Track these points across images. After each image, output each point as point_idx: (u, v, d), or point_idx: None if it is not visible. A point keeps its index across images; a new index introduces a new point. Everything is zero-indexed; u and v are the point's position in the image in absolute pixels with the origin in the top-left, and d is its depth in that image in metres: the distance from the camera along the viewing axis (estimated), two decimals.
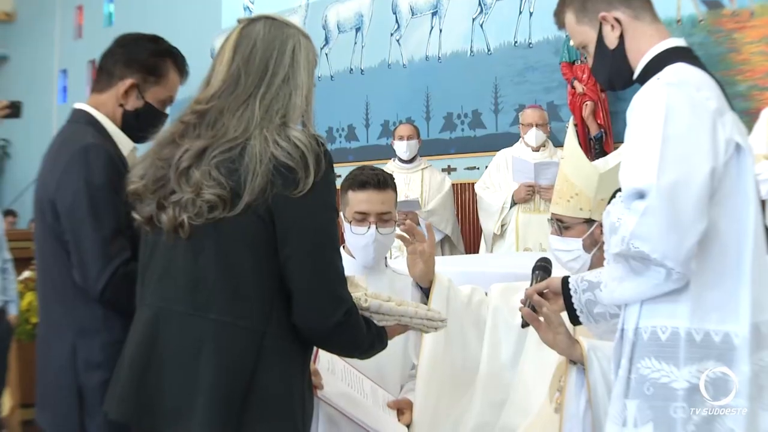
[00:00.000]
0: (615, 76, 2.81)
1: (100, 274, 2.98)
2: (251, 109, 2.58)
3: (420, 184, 8.29)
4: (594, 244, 3.43)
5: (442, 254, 8.17)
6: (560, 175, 3.60)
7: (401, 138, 8.30)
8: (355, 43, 11.00)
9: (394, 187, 3.86)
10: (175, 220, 2.55)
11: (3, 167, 17.68)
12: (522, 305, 3.18)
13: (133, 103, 3.25)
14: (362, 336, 2.68)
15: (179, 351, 2.53)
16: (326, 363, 3.37)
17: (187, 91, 2.72)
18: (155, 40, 3.33)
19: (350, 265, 3.53)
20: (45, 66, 16.42)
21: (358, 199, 3.77)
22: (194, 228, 2.53)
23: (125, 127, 3.27)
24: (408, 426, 3.54)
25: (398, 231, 3.72)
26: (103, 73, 3.27)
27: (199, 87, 2.72)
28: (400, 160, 8.34)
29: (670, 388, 2.43)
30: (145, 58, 3.25)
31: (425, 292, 3.74)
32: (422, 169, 8.38)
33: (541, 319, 3.13)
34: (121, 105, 3.24)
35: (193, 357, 2.50)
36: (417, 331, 3.79)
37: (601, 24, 2.75)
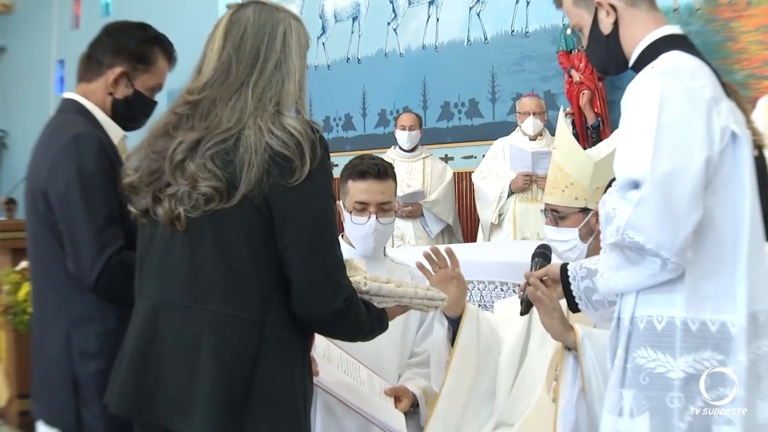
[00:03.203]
0: (607, 61, 2.81)
1: (93, 263, 2.98)
2: (244, 98, 2.56)
3: (422, 173, 8.29)
4: (590, 234, 3.44)
5: (443, 242, 8.18)
6: (553, 164, 3.60)
7: (403, 128, 8.28)
8: (352, 32, 10.97)
9: (394, 177, 3.86)
10: (171, 213, 2.54)
11: (0, 158, 17.66)
12: (521, 291, 3.20)
13: (122, 92, 3.26)
14: (362, 321, 2.67)
15: (178, 343, 2.52)
16: (322, 351, 3.37)
17: (183, 81, 2.72)
18: (143, 28, 3.34)
19: (350, 255, 3.53)
20: (42, 56, 16.36)
21: (358, 189, 3.77)
22: (191, 220, 2.52)
23: (115, 116, 3.28)
24: (405, 413, 3.55)
25: (419, 260, 3.64)
26: (92, 62, 3.27)
27: (190, 75, 2.70)
28: (401, 148, 8.34)
29: (667, 378, 2.44)
30: (133, 46, 3.25)
31: (452, 322, 3.62)
32: (423, 158, 8.38)
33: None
34: (111, 93, 3.25)
35: (193, 349, 2.49)
36: (421, 322, 3.82)
37: (596, 8, 2.75)
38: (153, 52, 3.29)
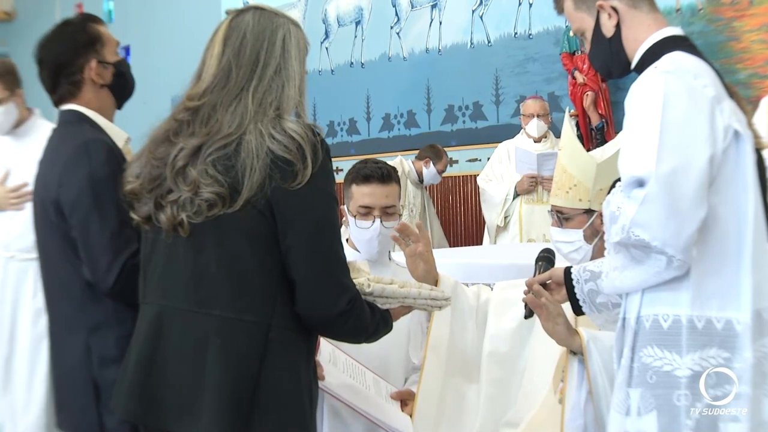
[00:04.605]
0: (611, 63, 2.81)
1: (109, 268, 2.97)
2: (244, 103, 2.57)
3: (422, 198, 8.52)
4: (595, 235, 3.43)
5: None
6: (558, 166, 3.60)
7: (441, 172, 8.52)
8: (355, 36, 10.99)
9: (397, 181, 3.86)
10: (173, 219, 2.55)
11: None
12: (525, 295, 3.20)
13: (107, 74, 3.29)
14: (367, 322, 2.68)
15: (184, 348, 2.53)
16: (327, 355, 3.37)
17: (185, 87, 2.72)
18: (66, 23, 3.37)
19: (354, 259, 3.53)
20: None
21: (362, 193, 3.78)
22: (194, 226, 2.53)
23: (118, 94, 3.35)
24: (411, 416, 3.55)
25: (393, 233, 3.69)
26: (64, 84, 3.27)
27: (189, 81, 2.70)
28: (419, 177, 8.55)
29: (673, 376, 2.44)
30: (83, 38, 3.27)
31: None
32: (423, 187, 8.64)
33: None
34: (102, 85, 3.28)
35: (199, 354, 2.50)
36: (419, 330, 3.82)
37: (598, 12, 2.75)
38: (93, 29, 3.32)
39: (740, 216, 2.46)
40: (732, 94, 2.61)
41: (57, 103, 3.31)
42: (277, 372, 2.52)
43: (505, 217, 7.63)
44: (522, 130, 7.88)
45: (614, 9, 2.71)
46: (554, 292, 3.15)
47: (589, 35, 2.82)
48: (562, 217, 3.53)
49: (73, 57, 3.25)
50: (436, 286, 3.57)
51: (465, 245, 8.95)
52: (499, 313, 3.69)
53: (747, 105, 2.68)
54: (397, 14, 10.53)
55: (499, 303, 3.72)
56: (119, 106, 3.39)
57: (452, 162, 9.73)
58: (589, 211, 3.46)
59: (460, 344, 3.64)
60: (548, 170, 7.16)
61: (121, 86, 3.35)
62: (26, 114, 5.04)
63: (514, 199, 7.57)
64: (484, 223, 8.06)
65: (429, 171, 8.47)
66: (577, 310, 3.09)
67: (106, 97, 3.30)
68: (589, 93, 8.27)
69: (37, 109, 5.05)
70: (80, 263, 3.06)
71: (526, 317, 3.26)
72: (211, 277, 2.53)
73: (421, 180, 8.65)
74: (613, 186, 2.79)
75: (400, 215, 3.92)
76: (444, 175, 9.01)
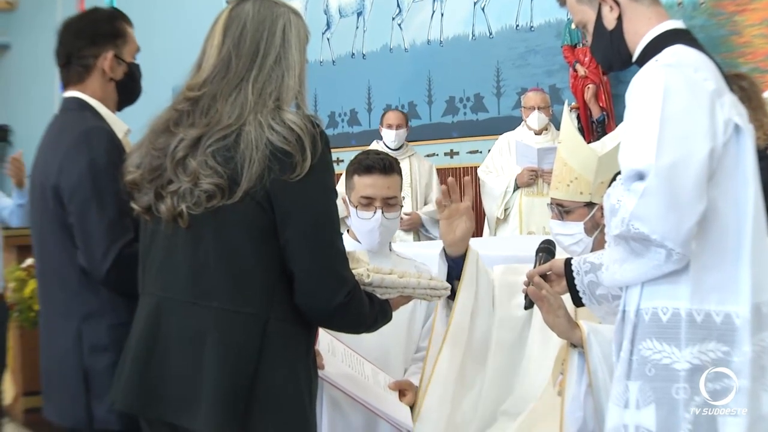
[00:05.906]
0: (612, 56, 2.81)
1: (105, 256, 2.98)
2: (244, 93, 2.57)
3: (408, 172, 8.22)
4: (595, 227, 3.44)
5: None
6: (558, 159, 3.60)
7: (389, 126, 8.21)
8: (357, 27, 10.96)
9: (399, 172, 3.86)
10: (173, 210, 2.55)
11: (4, 155, 17.66)
12: (525, 287, 3.20)
13: (120, 71, 3.31)
14: (365, 313, 2.68)
15: (182, 340, 2.54)
16: (326, 345, 3.37)
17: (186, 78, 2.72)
18: (95, 11, 3.42)
19: (354, 249, 3.53)
20: (46, 54, 16.24)
21: (364, 184, 3.78)
22: (193, 217, 2.53)
23: (123, 94, 3.36)
24: (411, 407, 3.55)
25: (437, 197, 3.61)
26: (74, 66, 3.29)
27: (190, 71, 2.70)
28: (387, 147, 8.24)
29: (672, 369, 2.45)
30: (106, 28, 3.30)
31: (452, 264, 3.60)
32: (409, 156, 8.33)
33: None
34: (111, 79, 3.29)
35: (197, 346, 2.51)
36: (428, 316, 3.82)
37: (600, 4, 2.76)
38: (120, 25, 3.34)
39: (740, 210, 2.47)
40: (750, 84, 2.62)
41: (64, 83, 3.33)
42: (275, 365, 2.53)
43: (505, 209, 7.61)
44: (523, 122, 7.86)
45: (616, 2, 2.72)
46: (554, 284, 3.16)
47: (590, 28, 2.82)
48: (562, 210, 3.53)
49: (92, 41, 3.26)
50: (465, 254, 3.57)
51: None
52: (503, 300, 3.68)
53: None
54: (398, 5, 10.50)
55: (501, 288, 3.70)
56: (119, 108, 3.38)
57: (453, 154, 9.72)
58: (589, 204, 3.46)
59: (479, 319, 3.59)
60: (549, 164, 7.12)
61: (129, 88, 3.36)
62: None
63: (514, 191, 7.55)
64: (484, 214, 8.04)
65: (384, 133, 8.31)
66: (577, 302, 3.10)
67: (111, 92, 3.31)
68: (591, 86, 8.24)
69: None
70: (76, 250, 3.06)
71: (525, 308, 3.26)
72: (210, 269, 2.53)
73: (391, 149, 8.36)
74: (613, 179, 2.79)
75: (401, 206, 3.92)
76: (445, 166, 8.95)
